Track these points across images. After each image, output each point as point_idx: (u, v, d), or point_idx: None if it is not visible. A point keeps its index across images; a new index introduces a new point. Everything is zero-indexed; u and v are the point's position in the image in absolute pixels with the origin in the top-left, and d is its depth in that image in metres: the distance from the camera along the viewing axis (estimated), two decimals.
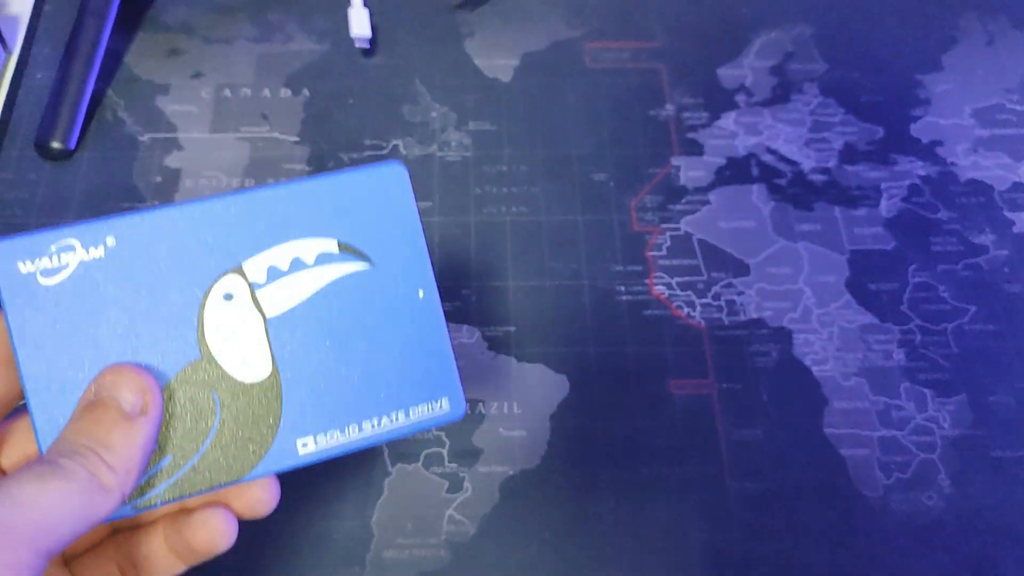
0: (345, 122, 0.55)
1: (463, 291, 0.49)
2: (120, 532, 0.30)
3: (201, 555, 0.28)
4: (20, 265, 0.25)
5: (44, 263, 0.26)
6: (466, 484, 0.44)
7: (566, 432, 0.45)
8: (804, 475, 0.45)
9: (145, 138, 0.54)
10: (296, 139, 0.54)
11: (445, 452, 0.44)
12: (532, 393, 0.46)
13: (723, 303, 0.49)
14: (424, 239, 0.29)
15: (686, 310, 0.49)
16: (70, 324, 0.26)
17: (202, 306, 0.27)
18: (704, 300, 0.49)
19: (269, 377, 0.27)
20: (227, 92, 0.56)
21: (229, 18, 0.59)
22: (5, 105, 0.55)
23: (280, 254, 0.28)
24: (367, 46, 0.57)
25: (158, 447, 0.26)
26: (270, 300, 0.28)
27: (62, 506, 0.22)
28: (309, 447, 0.28)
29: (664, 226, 0.52)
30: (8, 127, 0.54)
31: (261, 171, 0.53)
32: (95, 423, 0.24)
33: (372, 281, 0.28)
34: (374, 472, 0.44)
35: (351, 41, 0.58)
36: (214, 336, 0.27)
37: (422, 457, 0.44)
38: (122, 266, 0.26)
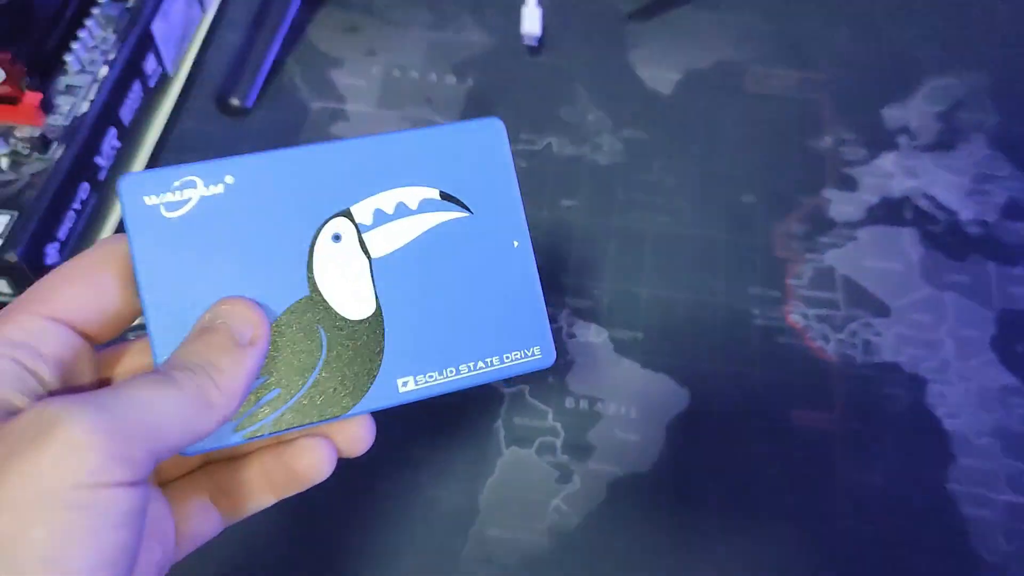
0: (503, 114, 0.56)
1: (595, 291, 0.50)
2: (213, 463, 0.31)
3: (300, 484, 0.29)
4: (146, 198, 0.27)
5: (168, 197, 0.27)
6: (575, 478, 0.44)
7: (680, 444, 0.45)
8: (920, 527, 0.43)
9: (315, 105, 0.57)
10: (443, 119, 0.56)
11: (559, 443, 0.45)
12: (651, 400, 0.46)
13: (858, 341, 0.48)
14: (519, 192, 0.30)
15: (819, 343, 0.48)
16: (189, 254, 0.27)
17: (312, 245, 0.28)
18: (839, 336, 0.49)
19: (373, 315, 0.28)
20: (396, 72, 0.59)
21: (408, 3, 0.62)
22: (195, 60, 0.59)
23: (386, 199, 0.29)
24: (535, 44, 0.58)
25: (268, 379, 0.27)
26: (376, 242, 0.29)
27: (172, 413, 0.23)
28: (409, 386, 0.29)
29: (808, 256, 0.51)
30: (195, 81, 0.58)
31: None
32: (207, 345, 0.26)
33: (471, 228, 0.29)
34: (488, 451, 0.45)
35: (520, 37, 0.59)
36: (322, 274, 0.28)
37: (536, 444, 0.45)
38: (239, 203, 0.27)
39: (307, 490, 0.30)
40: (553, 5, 0.61)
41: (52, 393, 0.25)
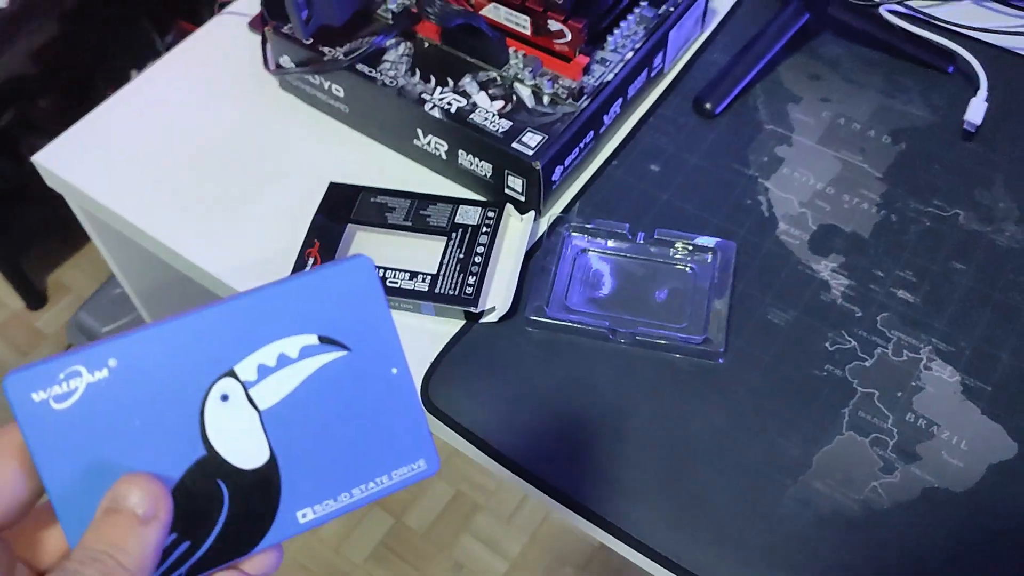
0: (922, 180, 0.66)
1: (961, 342, 0.58)
2: None
3: None
4: (33, 395, 0.28)
5: (55, 390, 0.28)
6: (897, 473, 0.53)
7: (1000, 483, 0.52)
8: None
9: (768, 127, 0.70)
10: (880, 175, 0.66)
11: (891, 443, 0.54)
12: (983, 441, 0.54)
13: None
14: (392, 322, 0.32)
15: None
16: (85, 438, 0.29)
17: (202, 409, 0.30)
18: None
19: (268, 462, 0.31)
20: (842, 120, 0.70)
21: (869, 68, 0.73)
22: (685, 65, 0.74)
23: (267, 353, 0.31)
24: (972, 130, 0.67)
25: (176, 536, 0.30)
26: (262, 394, 0.31)
27: None
28: (308, 516, 0.32)
29: None
30: (681, 80, 0.73)
31: (841, 186, 0.66)
32: (112, 527, 0.28)
33: (351, 364, 0.32)
34: (830, 427, 0.55)
35: (960, 122, 0.68)
36: (215, 433, 0.31)
37: (871, 436, 0.54)
38: (126, 383, 0.29)
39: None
40: (998, 103, 0.69)
41: None
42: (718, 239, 0.62)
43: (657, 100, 0.72)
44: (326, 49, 0.68)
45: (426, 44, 0.69)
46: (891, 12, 0.73)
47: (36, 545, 0.31)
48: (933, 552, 0.50)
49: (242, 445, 0.31)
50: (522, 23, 0.65)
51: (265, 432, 0.31)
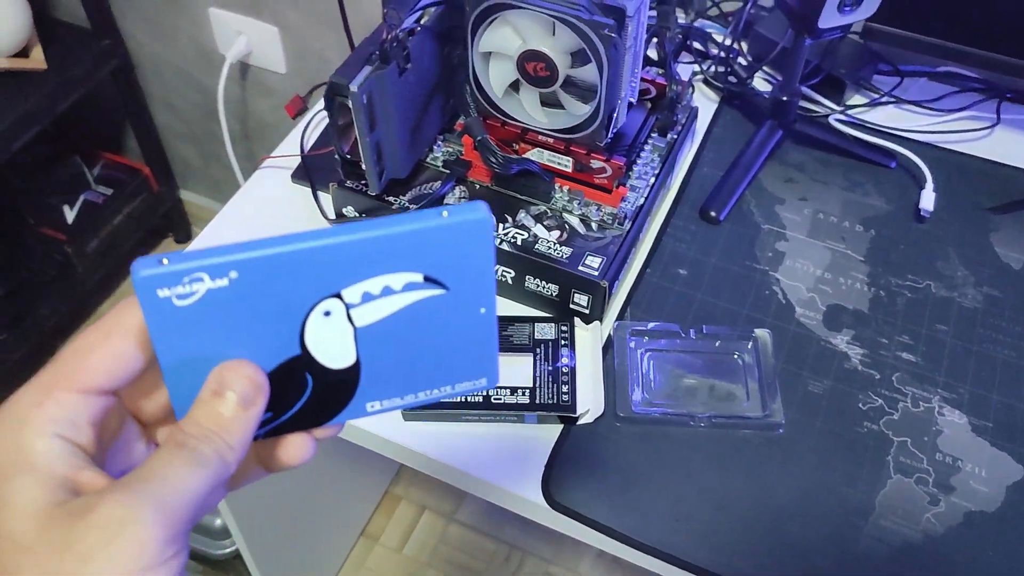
0: (895, 259, 0.81)
1: (960, 389, 0.72)
2: None
3: (287, 466, 0.37)
4: (159, 291, 0.32)
5: (178, 290, 0.32)
6: (942, 503, 0.66)
7: (1016, 502, 0.66)
8: None
9: (764, 227, 0.84)
10: (862, 258, 0.81)
11: (930, 480, 0.67)
12: (996, 467, 0.68)
13: None
14: (493, 271, 0.36)
15: None
16: (198, 331, 0.33)
17: (304, 319, 0.34)
18: None
19: (352, 365, 0.36)
20: (820, 215, 0.85)
21: (829, 169, 0.88)
22: (683, 181, 0.87)
23: (374, 284, 0.34)
24: (926, 216, 0.83)
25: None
26: (360, 315, 0.35)
27: (205, 488, 0.31)
28: (375, 407, 0.37)
29: None
30: (683, 195, 0.86)
31: (835, 271, 0.80)
32: (220, 409, 0.32)
33: (446, 301, 0.35)
34: (881, 473, 0.67)
35: (910, 206, 0.84)
36: (312, 339, 0.35)
37: (914, 476, 0.67)
38: (242, 293, 0.32)
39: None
40: (943, 191, 0.85)
41: (94, 457, 0.32)
42: (754, 328, 0.75)
43: (669, 212, 0.84)
44: (391, 199, 0.77)
45: (478, 186, 0.79)
46: (838, 121, 0.89)
47: (142, 401, 0.36)
48: (985, 563, 0.63)
49: (333, 351, 0.35)
50: (564, 163, 0.77)
51: (356, 344, 0.35)
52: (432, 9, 0.74)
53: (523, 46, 0.71)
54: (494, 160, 0.74)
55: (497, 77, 0.75)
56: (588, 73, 0.71)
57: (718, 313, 0.77)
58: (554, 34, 0.70)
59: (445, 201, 0.77)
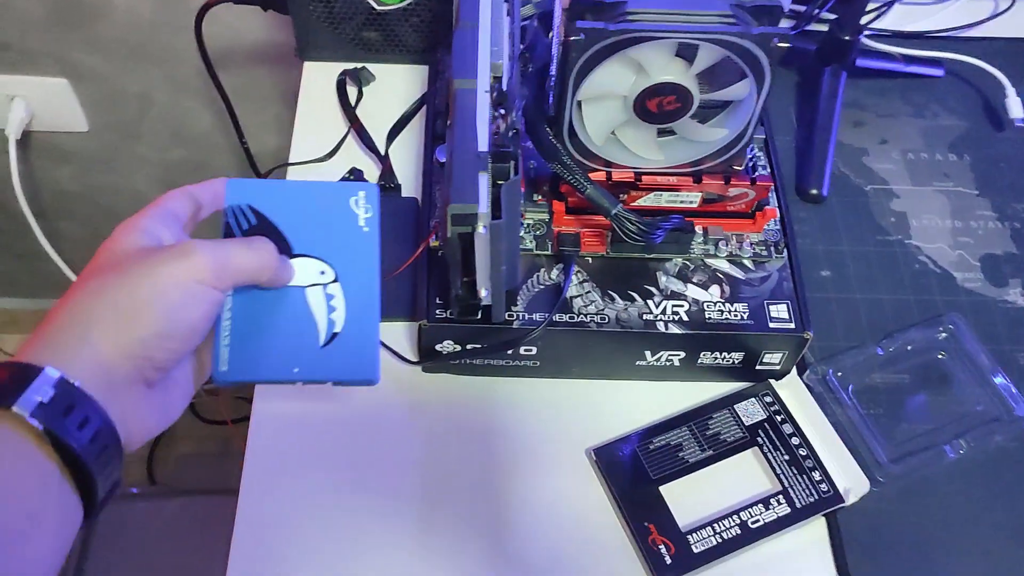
0: (1007, 182, 0.74)
1: None
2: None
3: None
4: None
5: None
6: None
7: None
8: None
9: (867, 188, 0.73)
10: (976, 192, 0.73)
11: None
12: None
13: None
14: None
15: None
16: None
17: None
18: None
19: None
20: (910, 155, 0.75)
21: (887, 99, 0.78)
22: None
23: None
24: (1021, 124, 0.75)
25: None
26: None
27: (250, 261, 0.42)
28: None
29: None
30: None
31: (961, 215, 0.72)
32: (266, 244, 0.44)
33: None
34: None
35: (982, 112, 0.77)
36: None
37: None
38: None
39: None
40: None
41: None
42: (941, 316, 0.65)
43: None
44: (510, 315, 0.58)
45: (590, 260, 0.61)
46: (871, 38, 0.79)
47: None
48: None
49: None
50: (689, 200, 0.61)
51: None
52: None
53: (643, 82, 0.54)
54: (635, 230, 0.57)
55: (600, 123, 0.57)
56: (736, 92, 0.56)
57: (887, 309, 0.67)
58: (692, 59, 0.53)
59: (569, 294, 0.60)
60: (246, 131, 0.89)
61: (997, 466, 0.60)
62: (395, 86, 0.77)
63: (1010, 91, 0.76)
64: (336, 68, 0.77)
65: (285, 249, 0.45)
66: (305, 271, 0.45)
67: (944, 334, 0.65)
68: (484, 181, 0.49)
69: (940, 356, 0.64)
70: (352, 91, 0.77)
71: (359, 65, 0.77)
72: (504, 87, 0.55)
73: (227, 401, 1.36)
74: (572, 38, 0.52)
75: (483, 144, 0.50)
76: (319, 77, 0.78)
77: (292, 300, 0.44)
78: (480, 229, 0.49)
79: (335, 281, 0.45)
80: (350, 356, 0.44)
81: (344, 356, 0.44)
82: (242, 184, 0.46)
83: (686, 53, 0.54)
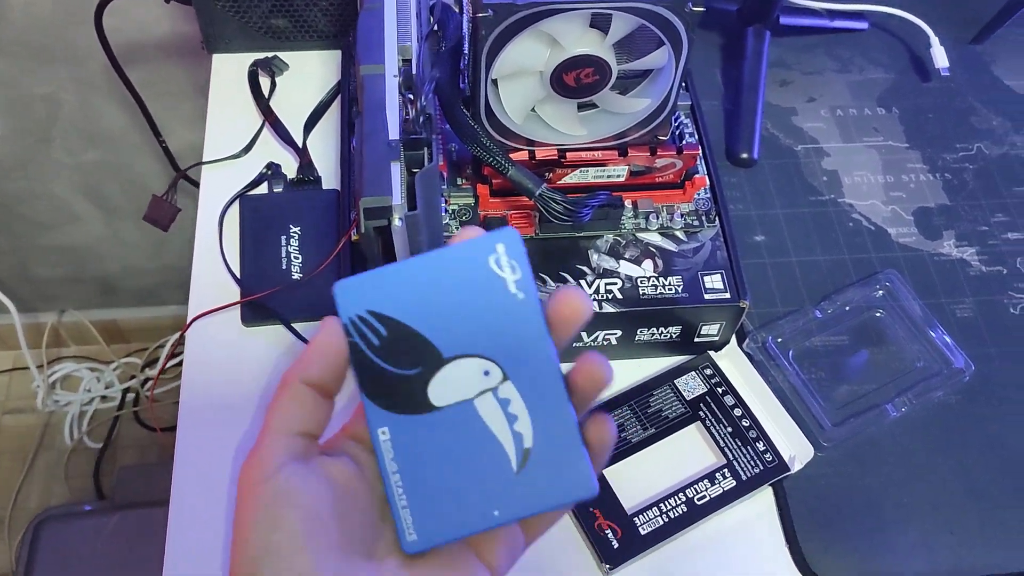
0: (934, 131, 0.74)
1: None
2: None
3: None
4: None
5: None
6: None
7: None
8: None
9: (797, 148, 0.72)
10: (906, 145, 0.73)
11: None
12: None
13: None
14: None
15: None
16: None
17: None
18: None
19: None
20: (839, 112, 0.74)
21: (811, 55, 0.77)
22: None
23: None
24: (947, 74, 0.75)
25: None
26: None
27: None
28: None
29: None
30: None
31: (892, 169, 0.71)
32: None
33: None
34: None
35: (909, 63, 0.76)
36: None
37: None
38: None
39: None
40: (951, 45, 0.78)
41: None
42: (877, 273, 0.65)
43: None
44: None
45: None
46: None
47: None
48: None
49: None
50: (616, 174, 0.59)
51: None
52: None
53: (558, 55, 0.52)
54: (560, 210, 0.55)
55: (518, 101, 0.55)
56: (654, 61, 0.54)
57: (823, 270, 0.66)
58: (607, 29, 0.51)
59: None
60: (162, 128, 0.85)
61: (940, 421, 0.60)
62: (309, 74, 0.74)
63: (934, 40, 0.75)
64: (247, 59, 0.74)
65: (433, 357, 0.34)
66: (465, 377, 0.34)
67: (881, 291, 0.65)
68: (396, 171, 0.47)
69: (878, 314, 0.64)
70: (265, 82, 0.74)
71: (270, 54, 0.74)
72: (413, 69, 0.52)
73: (157, 408, 1.32)
74: (480, 14, 0.50)
75: (394, 132, 0.48)
76: (229, 69, 0.75)
77: (462, 422, 0.34)
78: (396, 222, 0.47)
79: (505, 379, 0.34)
80: (554, 472, 0.34)
81: (548, 475, 0.34)
82: (351, 285, 0.34)
83: (600, 23, 0.52)
